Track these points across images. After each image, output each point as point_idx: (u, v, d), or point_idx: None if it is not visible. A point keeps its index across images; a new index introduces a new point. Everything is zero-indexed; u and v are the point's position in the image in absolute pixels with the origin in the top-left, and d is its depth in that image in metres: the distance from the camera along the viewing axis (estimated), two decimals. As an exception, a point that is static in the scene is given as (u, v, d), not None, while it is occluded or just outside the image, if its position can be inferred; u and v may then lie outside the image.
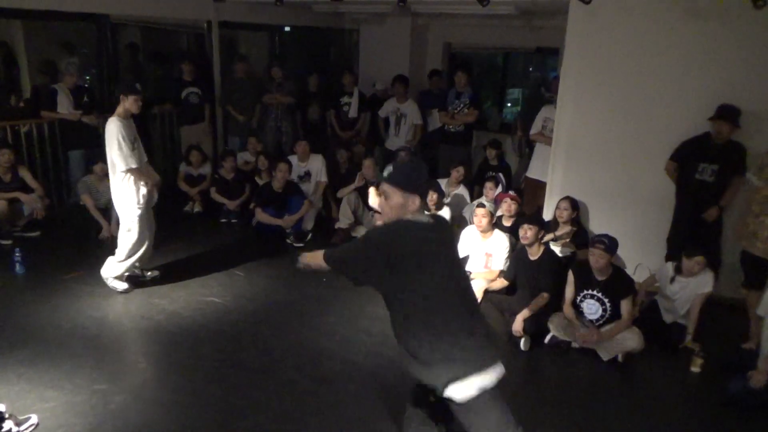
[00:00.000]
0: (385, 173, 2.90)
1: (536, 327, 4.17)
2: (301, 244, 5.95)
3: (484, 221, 4.78)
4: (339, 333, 4.27)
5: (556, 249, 4.91)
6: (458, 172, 6.25)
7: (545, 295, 4.21)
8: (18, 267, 4.94)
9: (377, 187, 5.80)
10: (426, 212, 2.53)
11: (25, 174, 5.76)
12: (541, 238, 4.40)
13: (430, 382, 2.39)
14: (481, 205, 4.93)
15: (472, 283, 4.67)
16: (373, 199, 5.52)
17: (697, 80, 4.63)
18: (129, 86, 4.43)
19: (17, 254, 4.96)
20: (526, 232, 4.33)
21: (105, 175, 5.94)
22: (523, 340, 4.15)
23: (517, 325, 4.14)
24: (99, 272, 4.80)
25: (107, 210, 5.93)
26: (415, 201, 2.42)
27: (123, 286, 4.71)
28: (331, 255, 2.61)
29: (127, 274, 4.74)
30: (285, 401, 3.44)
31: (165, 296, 4.72)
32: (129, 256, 4.62)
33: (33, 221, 5.78)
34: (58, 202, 6.56)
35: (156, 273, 4.97)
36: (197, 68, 7.21)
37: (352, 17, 8.91)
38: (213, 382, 3.61)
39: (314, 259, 2.70)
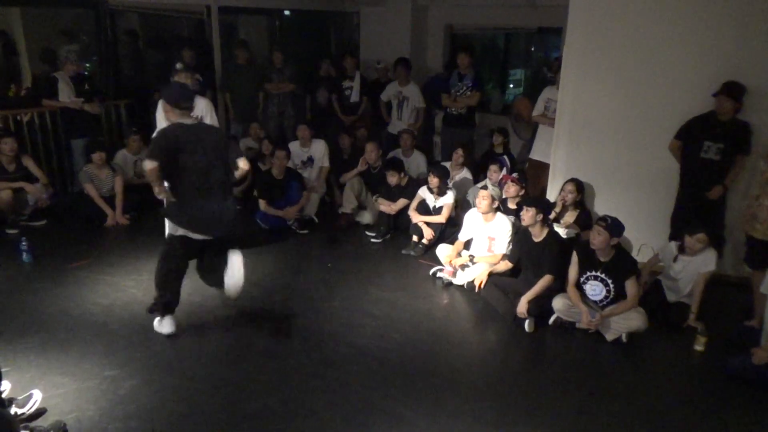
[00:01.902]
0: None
1: (540, 308, 4.20)
2: (305, 231, 5.97)
3: (484, 203, 4.78)
4: (344, 316, 4.30)
5: (561, 231, 4.92)
6: (457, 154, 6.25)
7: (549, 276, 4.22)
8: (25, 256, 4.98)
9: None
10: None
11: (29, 163, 5.78)
12: (544, 219, 4.39)
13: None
14: (484, 188, 4.92)
15: (475, 266, 4.72)
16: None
17: (700, 58, 4.59)
18: (171, 68, 4.67)
19: (24, 243, 4.99)
20: (525, 214, 4.34)
21: (105, 164, 5.99)
22: (527, 322, 4.18)
23: (522, 306, 4.16)
24: (106, 260, 4.83)
25: (111, 198, 5.97)
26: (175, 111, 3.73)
27: None
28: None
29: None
30: (292, 384, 3.48)
31: (171, 283, 4.76)
32: None
33: (38, 210, 5.82)
34: (63, 190, 6.59)
35: None
36: (197, 54, 7.18)
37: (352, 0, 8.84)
38: (221, 366, 3.65)
39: None
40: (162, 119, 4.32)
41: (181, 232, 3.77)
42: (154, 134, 3.92)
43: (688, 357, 3.96)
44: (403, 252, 5.49)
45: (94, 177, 5.93)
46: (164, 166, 3.63)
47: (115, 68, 6.99)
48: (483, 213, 4.85)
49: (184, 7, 7.63)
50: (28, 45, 7.56)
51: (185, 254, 3.86)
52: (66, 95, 6.22)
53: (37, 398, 3.14)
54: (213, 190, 3.73)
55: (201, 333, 4.05)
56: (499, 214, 4.89)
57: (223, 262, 3.77)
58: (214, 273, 3.88)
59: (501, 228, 4.82)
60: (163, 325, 3.94)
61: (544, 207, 4.44)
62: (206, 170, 3.68)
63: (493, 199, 4.82)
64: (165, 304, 3.90)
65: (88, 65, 7.73)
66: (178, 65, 4.57)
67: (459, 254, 4.92)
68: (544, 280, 4.22)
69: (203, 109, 4.60)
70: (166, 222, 4.23)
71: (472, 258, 4.84)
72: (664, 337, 4.17)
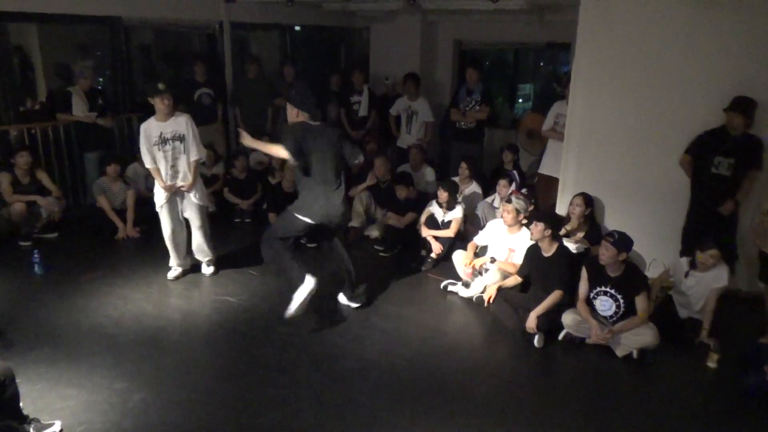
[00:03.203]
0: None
1: (550, 323, 4.17)
2: (314, 244, 5.97)
3: (509, 217, 4.80)
4: (352, 331, 4.29)
5: (570, 245, 4.89)
6: (462, 168, 6.25)
7: (559, 291, 4.20)
8: (37, 268, 5.02)
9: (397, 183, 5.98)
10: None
11: (43, 176, 5.85)
12: (554, 234, 4.38)
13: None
14: (508, 201, 4.93)
15: (489, 273, 4.80)
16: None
17: (711, 73, 4.59)
18: (152, 88, 4.63)
19: (36, 255, 5.04)
20: (533, 229, 4.33)
21: (118, 177, 6.06)
22: (537, 337, 4.15)
23: (531, 321, 4.14)
24: (116, 273, 4.85)
25: (123, 211, 6.02)
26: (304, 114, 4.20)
27: (170, 273, 5.06)
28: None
29: (173, 265, 5.07)
30: (301, 399, 3.47)
31: (180, 296, 4.79)
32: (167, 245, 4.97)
33: (51, 223, 5.88)
34: (75, 203, 6.66)
35: (211, 269, 5.19)
36: (209, 69, 7.27)
37: (363, 15, 8.93)
38: (230, 380, 3.65)
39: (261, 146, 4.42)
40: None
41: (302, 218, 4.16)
42: (284, 134, 4.30)
43: (701, 374, 3.91)
44: (423, 269, 5.46)
45: (108, 190, 5.99)
46: (297, 159, 4.06)
47: (128, 83, 7.08)
48: (508, 225, 4.86)
49: (197, 23, 7.75)
50: (43, 60, 7.69)
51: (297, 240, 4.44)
52: (80, 109, 6.32)
53: (56, 430, 3.11)
54: (333, 182, 4.20)
55: (210, 347, 4.07)
56: (524, 228, 4.88)
57: (334, 248, 4.54)
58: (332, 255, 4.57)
59: (523, 241, 4.81)
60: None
61: (553, 222, 4.43)
62: (327, 164, 4.16)
63: (518, 212, 4.82)
64: (298, 278, 4.10)
65: (101, 80, 7.85)
66: (160, 85, 4.57)
67: (476, 254, 4.94)
68: (554, 295, 4.20)
69: (184, 125, 4.65)
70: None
71: (493, 260, 4.84)
72: (676, 354, 4.12)
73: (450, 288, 4.94)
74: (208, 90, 7.19)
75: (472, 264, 4.88)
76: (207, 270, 5.17)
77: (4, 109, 6.05)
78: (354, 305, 4.62)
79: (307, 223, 4.18)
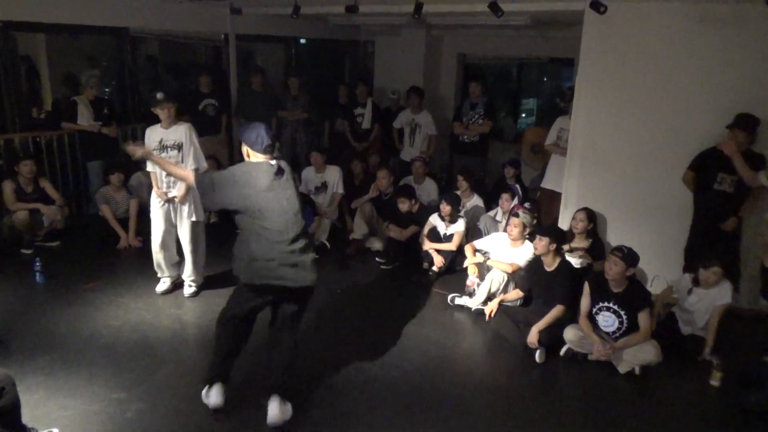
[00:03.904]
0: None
1: (552, 339, 4.14)
2: (315, 256, 5.95)
3: (515, 231, 4.82)
4: (352, 343, 4.27)
5: (573, 260, 4.88)
6: (461, 180, 6.25)
7: (561, 306, 4.18)
8: (38, 276, 5.02)
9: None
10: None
11: (46, 185, 5.87)
12: (557, 249, 4.37)
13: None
14: (515, 215, 4.93)
15: (489, 277, 4.79)
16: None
17: (714, 89, 4.60)
18: (152, 99, 4.63)
19: (37, 264, 5.04)
20: (538, 243, 4.32)
21: (121, 186, 6.07)
22: (538, 352, 4.12)
23: (533, 336, 4.11)
24: (117, 282, 4.83)
25: (125, 220, 6.03)
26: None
27: (158, 287, 4.93)
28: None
29: (163, 277, 4.94)
30: (300, 411, 3.44)
31: (181, 305, 4.77)
32: (152, 252, 4.86)
33: (53, 231, 5.89)
34: (78, 212, 6.67)
35: (192, 289, 4.94)
36: (214, 80, 7.32)
37: (367, 29, 9.00)
38: (228, 391, 3.63)
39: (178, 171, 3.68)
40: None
41: None
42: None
43: (704, 391, 3.87)
44: (431, 281, 5.42)
45: (111, 198, 6.01)
46: None
47: (134, 93, 7.13)
48: (513, 240, 4.87)
49: (203, 35, 7.82)
50: (50, 69, 7.76)
51: None
52: (85, 119, 6.35)
53: None
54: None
55: (208, 357, 4.04)
56: (527, 242, 4.88)
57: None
58: None
59: (525, 255, 4.80)
60: None
61: (557, 236, 4.42)
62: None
63: (525, 226, 4.83)
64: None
65: (107, 90, 7.91)
66: (159, 95, 4.52)
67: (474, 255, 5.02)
68: (556, 310, 4.17)
69: (183, 134, 4.65)
70: None
71: (486, 256, 4.91)
72: (679, 371, 4.08)
73: (457, 301, 4.92)
74: (212, 101, 7.23)
75: (476, 271, 4.94)
76: (188, 290, 4.92)
77: (11, 117, 6.10)
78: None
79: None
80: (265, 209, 3.13)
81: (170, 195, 4.71)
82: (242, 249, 3.21)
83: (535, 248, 4.36)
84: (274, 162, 3.23)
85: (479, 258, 4.97)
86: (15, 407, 2.96)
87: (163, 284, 4.94)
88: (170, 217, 4.79)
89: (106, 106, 6.59)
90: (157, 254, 4.83)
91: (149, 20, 6.88)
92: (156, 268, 4.91)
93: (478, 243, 5.16)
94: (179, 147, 4.66)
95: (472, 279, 4.94)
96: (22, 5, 5.80)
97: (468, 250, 5.14)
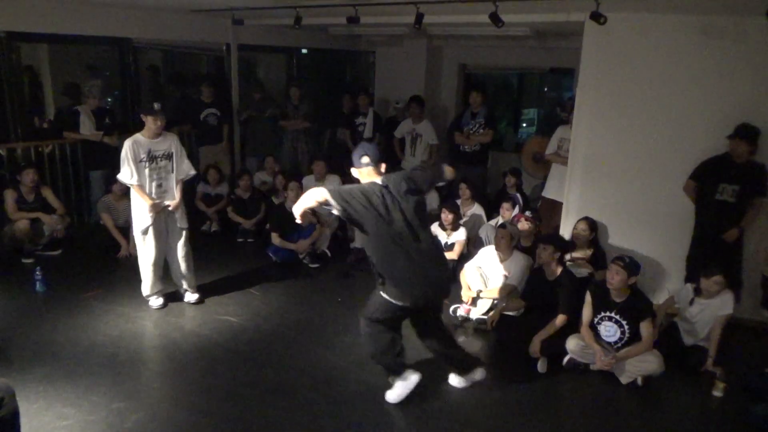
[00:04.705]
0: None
1: (554, 348, 4.12)
2: (316, 265, 5.96)
3: (503, 242, 4.78)
4: (354, 352, 4.25)
5: (574, 270, 4.87)
6: (462, 188, 6.24)
7: (563, 316, 4.17)
8: (39, 285, 5.01)
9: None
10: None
11: (48, 194, 5.88)
12: (561, 258, 4.36)
13: None
14: (502, 226, 4.91)
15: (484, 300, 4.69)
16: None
17: (714, 100, 4.60)
18: (148, 106, 4.60)
19: (38, 273, 5.04)
20: (542, 251, 4.31)
21: (123, 195, 6.07)
22: (540, 362, 4.10)
23: (534, 346, 4.10)
24: (117, 291, 4.80)
25: (126, 229, 6.02)
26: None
27: (155, 303, 4.81)
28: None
29: (154, 292, 4.81)
30: (301, 421, 3.42)
31: (181, 315, 4.76)
32: (143, 272, 4.73)
33: (54, 240, 5.89)
34: (79, 221, 6.68)
35: (196, 296, 4.93)
36: (216, 90, 7.35)
37: (369, 39, 9.04)
38: (228, 401, 3.61)
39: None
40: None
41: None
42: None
43: (706, 402, 3.85)
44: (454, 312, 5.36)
45: (112, 207, 6.01)
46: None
47: (136, 102, 7.16)
48: (501, 251, 4.84)
49: (205, 45, 7.86)
50: (53, 79, 7.81)
51: None
52: (87, 128, 6.38)
53: None
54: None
55: (209, 367, 4.02)
56: (516, 252, 4.87)
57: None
58: None
59: (516, 264, 4.79)
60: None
61: (561, 245, 4.41)
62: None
63: (511, 237, 4.81)
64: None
65: (110, 99, 7.94)
66: (156, 105, 4.50)
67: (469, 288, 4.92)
68: (558, 320, 4.16)
69: (172, 144, 4.64)
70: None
71: (479, 292, 4.80)
72: (681, 382, 4.06)
73: (459, 312, 4.88)
74: (214, 110, 7.26)
75: (469, 299, 4.83)
76: (191, 297, 4.91)
77: (13, 126, 6.12)
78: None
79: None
80: None
81: (164, 204, 4.66)
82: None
83: (539, 257, 4.34)
84: None
85: (473, 293, 4.83)
86: (14, 417, 2.94)
87: (157, 301, 4.84)
88: (163, 230, 4.72)
89: (108, 115, 6.62)
90: (151, 273, 4.72)
91: (152, 31, 6.92)
92: (147, 289, 4.78)
93: (469, 264, 5.03)
94: (169, 156, 4.66)
95: (465, 307, 4.81)
96: (25, 16, 5.85)
97: (462, 279, 4.99)
